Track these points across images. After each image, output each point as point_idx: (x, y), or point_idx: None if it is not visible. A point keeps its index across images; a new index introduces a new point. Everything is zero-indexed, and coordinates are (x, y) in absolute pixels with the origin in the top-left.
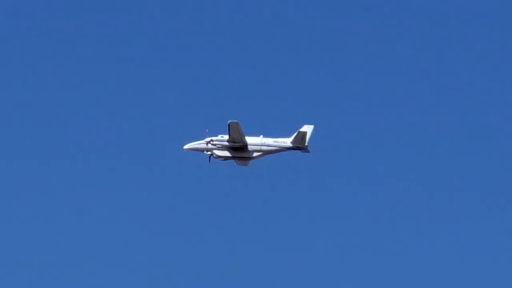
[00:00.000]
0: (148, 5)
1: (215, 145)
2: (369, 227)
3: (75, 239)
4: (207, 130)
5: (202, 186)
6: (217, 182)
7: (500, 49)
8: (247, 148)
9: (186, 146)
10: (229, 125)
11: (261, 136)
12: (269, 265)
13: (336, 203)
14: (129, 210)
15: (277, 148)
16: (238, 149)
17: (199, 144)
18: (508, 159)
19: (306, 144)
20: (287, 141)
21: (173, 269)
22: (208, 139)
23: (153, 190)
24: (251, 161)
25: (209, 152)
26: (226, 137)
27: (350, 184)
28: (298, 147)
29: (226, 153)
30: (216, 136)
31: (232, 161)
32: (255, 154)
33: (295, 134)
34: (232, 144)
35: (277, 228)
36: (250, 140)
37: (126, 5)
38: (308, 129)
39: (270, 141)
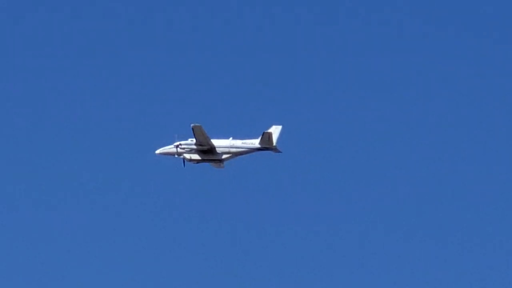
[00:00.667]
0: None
1: (184, 149)
2: (348, 224)
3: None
4: (176, 135)
5: (179, 190)
6: (193, 186)
7: (496, 49)
8: (215, 150)
9: (157, 151)
10: (192, 128)
11: (231, 138)
12: (251, 267)
13: (311, 202)
14: (109, 215)
15: (246, 149)
16: (207, 152)
17: (170, 148)
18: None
19: (274, 144)
20: (255, 142)
21: (154, 273)
22: (177, 143)
23: (129, 196)
24: (226, 163)
25: (181, 156)
26: (194, 140)
27: (322, 182)
28: (266, 147)
29: (197, 156)
30: (186, 140)
31: (207, 164)
32: (224, 156)
33: (261, 135)
34: (200, 147)
35: (255, 232)
36: (219, 142)
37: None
38: (276, 129)
39: (238, 142)
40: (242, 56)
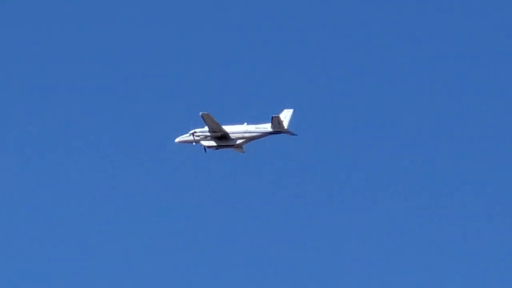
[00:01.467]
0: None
1: (199, 136)
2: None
3: (71, 233)
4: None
5: (203, 175)
6: (216, 170)
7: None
8: (229, 136)
9: (176, 140)
10: (202, 116)
11: (245, 123)
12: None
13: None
14: (135, 204)
15: (259, 133)
16: (222, 138)
17: (187, 137)
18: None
19: (285, 127)
20: (267, 127)
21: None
22: (192, 131)
23: (156, 184)
24: (246, 147)
25: (198, 143)
26: (207, 128)
27: (338, 163)
28: (278, 131)
29: (213, 143)
30: (202, 127)
31: (229, 150)
32: (238, 141)
33: (271, 120)
34: (213, 134)
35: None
36: (233, 128)
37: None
38: (287, 113)
39: (252, 127)
40: (253, 44)
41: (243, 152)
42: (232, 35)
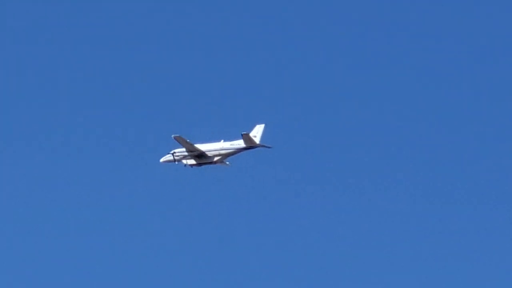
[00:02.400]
0: None
1: (178, 156)
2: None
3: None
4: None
5: (188, 191)
6: (200, 186)
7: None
8: (206, 154)
9: (161, 160)
10: (175, 139)
11: (222, 140)
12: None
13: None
14: (128, 217)
15: (234, 150)
16: (200, 156)
17: (169, 157)
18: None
19: (258, 142)
20: (241, 143)
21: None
22: (172, 151)
23: (145, 200)
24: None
25: (181, 162)
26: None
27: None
28: (251, 146)
29: (193, 161)
30: (180, 148)
31: (215, 165)
32: (216, 158)
33: (242, 137)
34: (190, 153)
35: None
36: (209, 146)
37: None
38: (259, 128)
39: (227, 144)
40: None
41: (228, 166)
42: (201, 54)
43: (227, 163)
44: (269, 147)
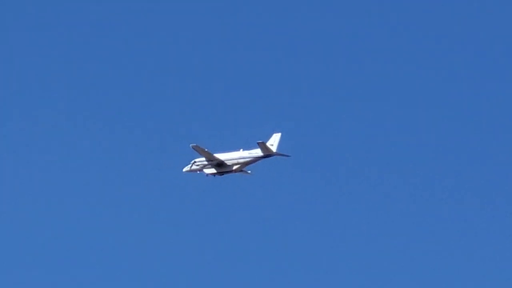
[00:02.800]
0: None
1: (198, 165)
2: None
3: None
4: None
5: (213, 199)
6: (225, 194)
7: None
8: (225, 163)
9: (184, 170)
10: (193, 148)
11: (241, 149)
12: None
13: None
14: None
15: (252, 158)
16: (219, 165)
17: (190, 166)
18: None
19: (274, 150)
20: (259, 152)
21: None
22: (192, 161)
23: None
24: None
25: (202, 171)
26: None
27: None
28: (268, 154)
29: (213, 170)
30: (200, 157)
31: (238, 174)
32: (235, 167)
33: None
34: (210, 162)
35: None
36: (228, 155)
37: None
38: (275, 137)
39: (246, 153)
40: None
41: (249, 174)
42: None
43: (248, 171)
44: (287, 156)
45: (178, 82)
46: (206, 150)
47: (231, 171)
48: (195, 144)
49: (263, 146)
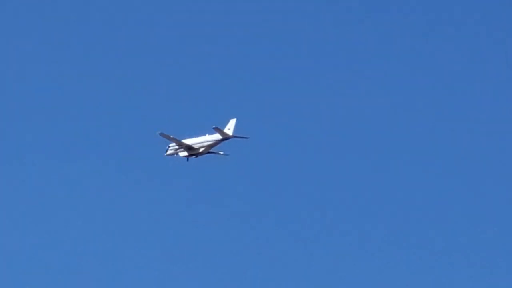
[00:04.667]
0: None
1: (171, 149)
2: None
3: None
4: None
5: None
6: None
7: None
8: (192, 147)
9: (165, 154)
10: (161, 136)
11: (207, 134)
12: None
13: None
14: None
15: (214, 141)
16: (190, 149)
17: (169, 151)
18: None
19: (231, 134)
20: (218, 136)
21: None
22: (167, 146)
23: (159, 191)
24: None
25: (178, 155)
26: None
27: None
28: (226, 137)
29: (185, 153)
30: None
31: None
32: (201, 150)
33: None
34: (179, 147)
35: None
36: (194, 140)
37: None
38: (232, 122)
39: (209, 137)
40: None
41: (224, 155)
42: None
43: (221, 152)
44: (246, 138)
45: (147, 74)
46: (172, 136)
47: (200, 154)
48: (161, 132)
49: (219, 130)
